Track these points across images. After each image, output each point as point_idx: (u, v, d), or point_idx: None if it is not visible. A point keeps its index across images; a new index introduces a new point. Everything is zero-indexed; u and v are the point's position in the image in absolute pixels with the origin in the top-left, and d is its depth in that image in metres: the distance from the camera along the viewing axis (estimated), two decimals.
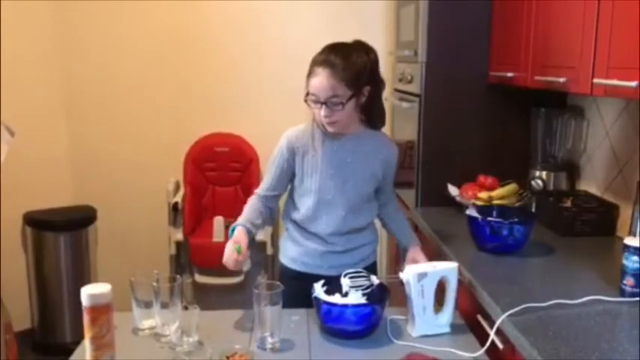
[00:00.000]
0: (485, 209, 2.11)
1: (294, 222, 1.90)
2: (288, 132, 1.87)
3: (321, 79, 1.69)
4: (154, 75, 3.43)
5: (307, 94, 1.74)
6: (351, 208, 1.83)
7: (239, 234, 1.76)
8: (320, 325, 1.57)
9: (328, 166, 1.82)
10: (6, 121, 2.75)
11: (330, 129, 1.79)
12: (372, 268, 1.91)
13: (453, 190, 2.48)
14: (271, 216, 2.01)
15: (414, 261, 1.83)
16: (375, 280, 1.63)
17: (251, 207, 1.87)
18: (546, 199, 2.31)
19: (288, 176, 1.88)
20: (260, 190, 1.91)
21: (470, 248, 1.99)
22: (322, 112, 1.72)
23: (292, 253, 1.92)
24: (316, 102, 1.72)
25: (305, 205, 1.85)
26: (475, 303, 1.68)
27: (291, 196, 1.92)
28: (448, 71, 2.51)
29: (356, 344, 1.50)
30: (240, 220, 1.82)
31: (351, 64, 1.70)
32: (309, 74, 1.73)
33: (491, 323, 1.51)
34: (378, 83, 1.81)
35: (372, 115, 1.86)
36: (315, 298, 1.56)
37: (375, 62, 1.79)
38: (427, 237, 2.28)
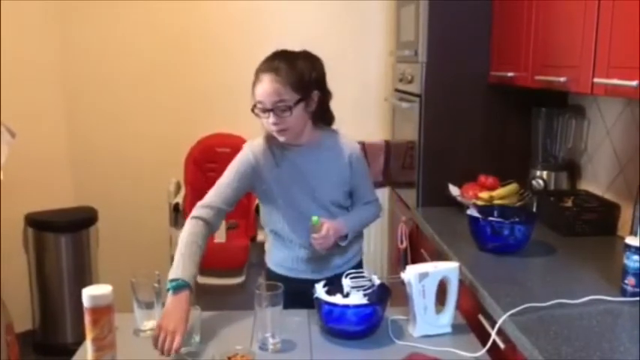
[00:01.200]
0: (486, 209, 2.11)
1: (273, 231, 1.89)
2: (252, 146, 1.81)
3: (265, 85, 1.64)
4: (155, 75, 3.43)
5: (254, 105, 1.68)
6: (325, 216, 1.77)
7: (184, 302, 1.47)
8: (321, 325, 1.57)
9: (292, 180, 1.79)
10: (6, 122, 2.75)
11: (281, 138, 1.73)
12: (358, 268, 1.89)
13: (453, 190, 2.48)
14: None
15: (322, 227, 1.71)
16: (376, 280, 1.63)
17: (192, 245, 1.65)
18: (547, 199, 2.31)
19: (244, 191, 1.80)
20: (212, 200, 1.73)
21: (471, 248, 1.99)
22: (270, 119, 1.66)
23: (277, 258, 1.92)
24: (264, 110, 1.67)
25: (280, 218, 1.84)
26: (476, 303, 1.68)
27: (265, 208, 1.89)
28: (448, 71, 2.51)
29: (357, 344, 1.50)
30: (182, 273, 1.53)
31: (294, 68, 1.66)
32: (254, 83, 1.68)
33: (493, 323, 1.51)
34: (326, 92, 1.77)
35: (324, 122, 1.84)
36: (317, 298, 1.56)
37: (321, 71, 1.75)
38: (428, 237, 2.28)
